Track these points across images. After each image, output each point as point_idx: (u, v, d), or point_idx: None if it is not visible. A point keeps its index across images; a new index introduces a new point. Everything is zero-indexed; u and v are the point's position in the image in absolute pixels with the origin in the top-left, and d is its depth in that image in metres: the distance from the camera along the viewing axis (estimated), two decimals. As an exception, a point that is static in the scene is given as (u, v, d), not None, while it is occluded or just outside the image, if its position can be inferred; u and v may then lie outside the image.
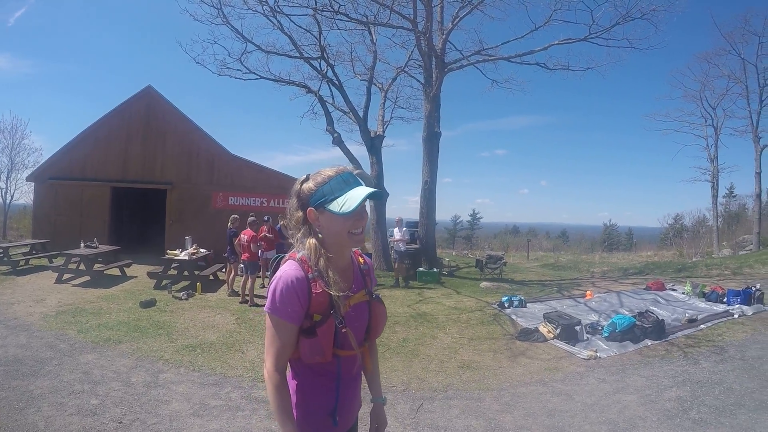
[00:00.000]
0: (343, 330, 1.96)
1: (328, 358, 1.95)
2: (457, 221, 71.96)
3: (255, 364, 7.01)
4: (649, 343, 8.47)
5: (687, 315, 10.10)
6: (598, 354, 7.87)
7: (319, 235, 1.98)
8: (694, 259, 27.53)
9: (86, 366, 6.65)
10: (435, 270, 16.41)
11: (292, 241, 2.06)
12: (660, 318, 9.16)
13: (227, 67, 18.78)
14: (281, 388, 1.88)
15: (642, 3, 16.52)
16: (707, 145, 36.75)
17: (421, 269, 16.24)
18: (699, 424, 5.39)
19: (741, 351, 8.13)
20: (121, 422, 5.01)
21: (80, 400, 5.51)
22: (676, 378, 6.87)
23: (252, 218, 11.85)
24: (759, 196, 32.42)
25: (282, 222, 14.41)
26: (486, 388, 6.54)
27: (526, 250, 33.61)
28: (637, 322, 8.77)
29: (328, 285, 1.90)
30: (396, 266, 15.16)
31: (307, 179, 2.03)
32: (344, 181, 1.96)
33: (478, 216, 72.61)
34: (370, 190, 1.93)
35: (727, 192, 52.88)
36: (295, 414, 1.96)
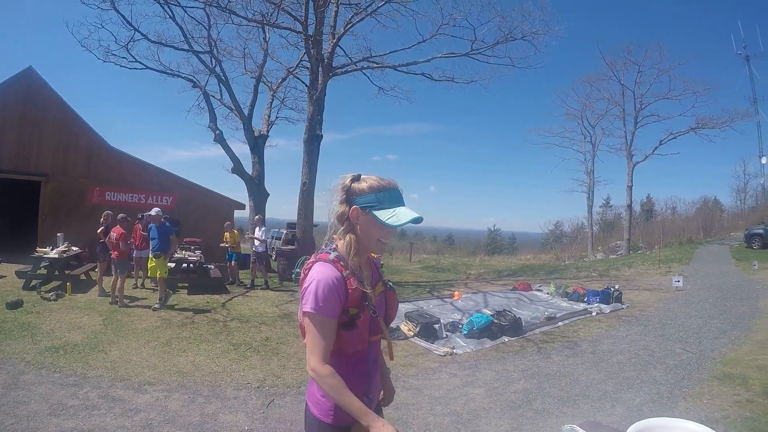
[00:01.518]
0: (377, 318, 2.20)
1: (366, 344, 2.18)
2: (344, 224, 72.37)
3: (116, 364, 6.98)
4: (506, 340, 8.92)
5: (546, 313, 10.69)
6: (454, 350, 8.11)
7: (358, 233, 2.15)
8: (566, 262, 29.35)
9: (-54, 371, 6.41)
10: (312, 271, 16.25)
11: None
12: (517, 316, 9.72)
13: (113, 54, 17.93)
14: (334, 375, 2.00)
15: (524, 26, 18.16)
16: (585, 160, 42.61)
17: (297, 270, 16.03)
18: (540, 414, 5.70)
19: (593, 345, 8.75)
20: (-21, 425, 4.92)
21: (-61, 406, 5.34)
22: (526, 371, 7.26)
23: (122, 215, 11.21)
24: (630, 206, 37.35)
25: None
26: (339, 384, 6.56)
27: (409, 253, 34.24)
28: (495, 320, 9.21)
29: (361, 281, 2.11)
30: (252, 267, 14.76)
31: (358, 179, 2.16)
32: (395, 197, 2.13)
33: (366, 219, 73.40)
34: (416, 215, 2.08)
35: (604, 202, 59.09)
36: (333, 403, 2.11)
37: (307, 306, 2.01)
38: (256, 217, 16.18)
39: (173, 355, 7.55)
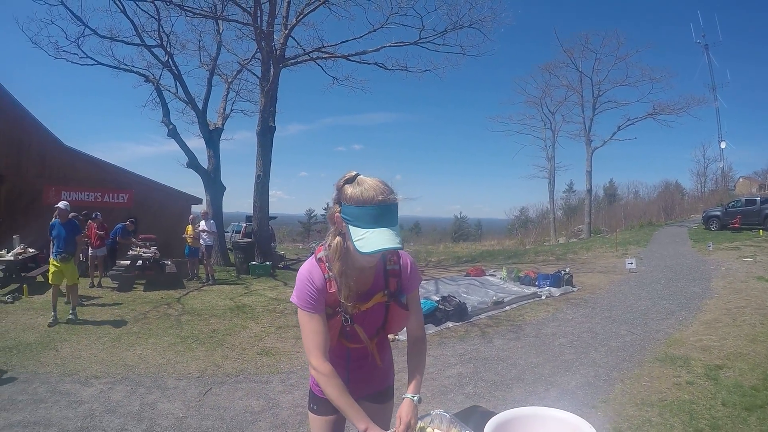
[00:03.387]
0: (348, 328, 2.18)
1: (333, 344, 2.18)
2: (312, 215, 72.28)
3: (66, 360, 7.12)
4: (450, 325, 9.01)
5: (495, 298, 10.75)
6: (397, 337, 8.10)
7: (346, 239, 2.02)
8: (527, 247, 29.72)
9: None
10: (268, 263, 16.30)
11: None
12: (462, 302, 9.77)
13: (64, 51, 17.53)
14: (335, 374, 2.02)
15: (473, 13, 18.45)
16: (545, 146, 43.21)
17: (253, 263, 16.13)
18: (471, 398, 5.71)
19: (537, 329, 8.84)
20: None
21: None
22: (464, 356, 7.30)
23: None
24: (590, 191, 38.58)
25: (127, 222, 14.11)
26: (277, 371, 6.79)
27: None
28: (440, 306, 9.28)
29: (339, 289, 2.04)
30: (206, 261, 14.68)
31: (352, 181, 1.92)
32: (375, 216, 1.83)
33: (331, 209, 73.44)
34: (390, 245, 1.81)
35: (567, 187, 60.25)
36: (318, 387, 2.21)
37: (298, 302, 2.06)
38: (202, 211, 16.18)
39: (122, 349, 7.67)
